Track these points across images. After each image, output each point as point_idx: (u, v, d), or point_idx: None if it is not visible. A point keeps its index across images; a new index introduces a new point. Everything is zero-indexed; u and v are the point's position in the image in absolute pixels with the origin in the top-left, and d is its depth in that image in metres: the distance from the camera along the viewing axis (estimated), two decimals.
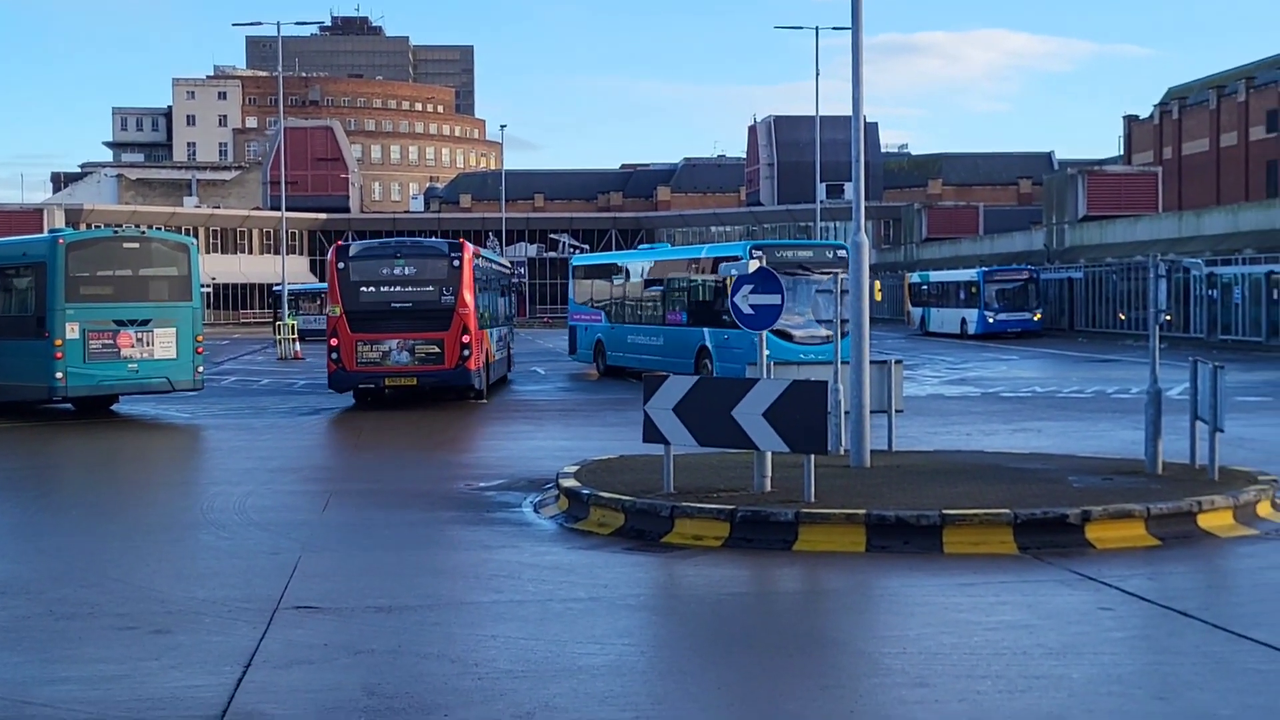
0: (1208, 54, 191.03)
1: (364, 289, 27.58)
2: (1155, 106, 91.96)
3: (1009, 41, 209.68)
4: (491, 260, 34.90)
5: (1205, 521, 12.73)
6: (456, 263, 27.75)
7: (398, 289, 27.59)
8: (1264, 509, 13.45)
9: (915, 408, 25.38)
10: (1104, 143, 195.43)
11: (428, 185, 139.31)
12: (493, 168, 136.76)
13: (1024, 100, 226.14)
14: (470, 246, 28.98)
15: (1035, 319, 61.29)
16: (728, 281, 20.10)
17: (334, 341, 27.54)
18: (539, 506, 14.86)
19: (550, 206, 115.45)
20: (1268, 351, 45.04)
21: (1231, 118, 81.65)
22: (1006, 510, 12.32)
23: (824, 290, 18.42)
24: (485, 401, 29.38)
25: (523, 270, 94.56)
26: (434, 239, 31.66)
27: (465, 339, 27.46)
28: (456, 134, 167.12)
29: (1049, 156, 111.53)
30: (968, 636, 9.07)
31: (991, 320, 60.68)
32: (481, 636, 9.20)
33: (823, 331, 26.64)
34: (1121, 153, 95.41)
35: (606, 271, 39.39)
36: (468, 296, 27.72)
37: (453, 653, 8.75)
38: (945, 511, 12.27)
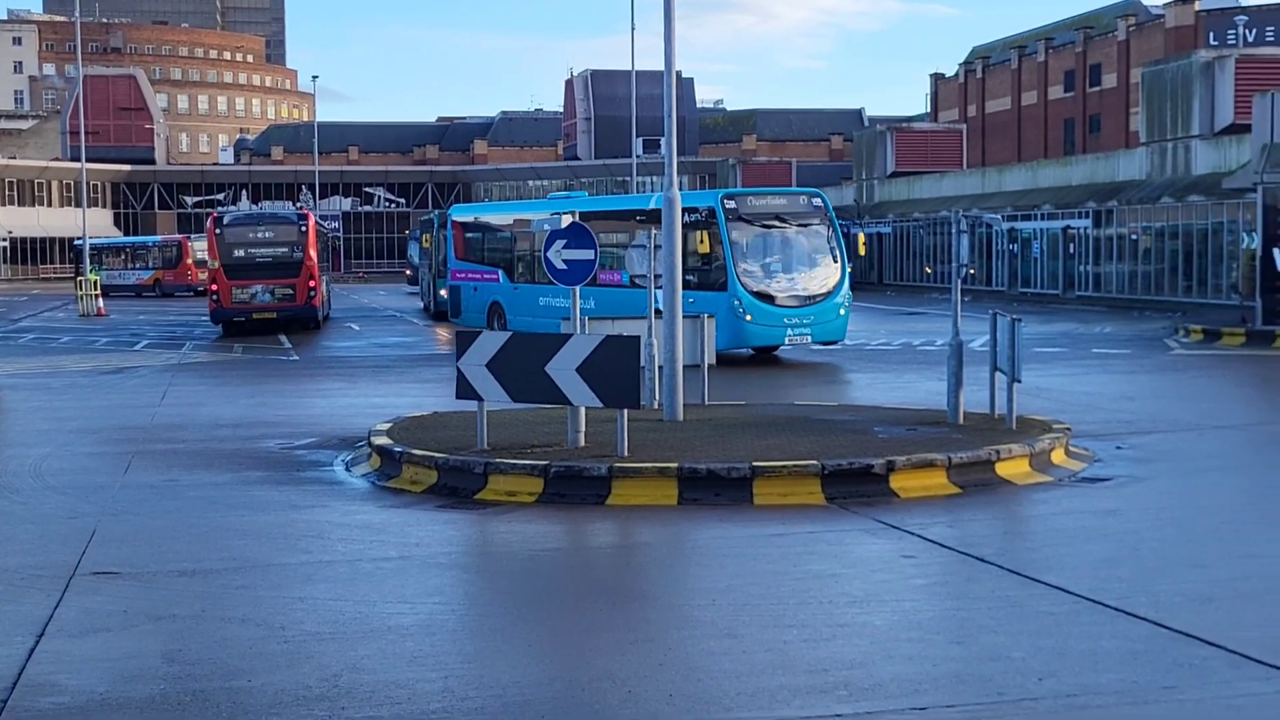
0: (1010, 15, 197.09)
1: (235, 249, 36.66)
2: (960, 65, 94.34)
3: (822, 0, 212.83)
4: (322, 224, 43.95)
5: (1003, 469, 13.16)
6: (304, 228, 37.36)
7: (261, 248, 36.87)
8: (1058, 456, 13.96)
9: (730, 361, 25.69)
10: (912, 100, 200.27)
11: (238, 137, 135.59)
12: (305, 119, 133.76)
13: (836, 58, 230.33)
14: (312, 215, 39.16)
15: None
16: (652, 234, 17.58)
17: (214, 287, 36.75)
18: (350, 465, 14.64)
19: (365, 159, 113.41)
20: (1064, 304, 46.76)
21: (1032, 77, 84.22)
22: (814, 461, 12.56)
23: (637, 245, 18.49)
24: (297, 359, 28.84)
25: (337, 225, 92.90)
26: (286, 209, 47.10)
27: (311, 284, 36.73)
28: (267, 84, 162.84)
29: (859, 113, 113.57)
30: (775, 587, 9.23)
31: None
32: (288, 599, 9.03)
33: (806, 292, 25.52)
34: (928, 110, 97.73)
35: (506, 224, 35.67)
36: (312, 253, 36.99)
37: (258, 616, 8.57)
38: (755, 464, 12.45)
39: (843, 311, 26.10)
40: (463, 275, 35.34)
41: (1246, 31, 67.21)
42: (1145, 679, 7.07)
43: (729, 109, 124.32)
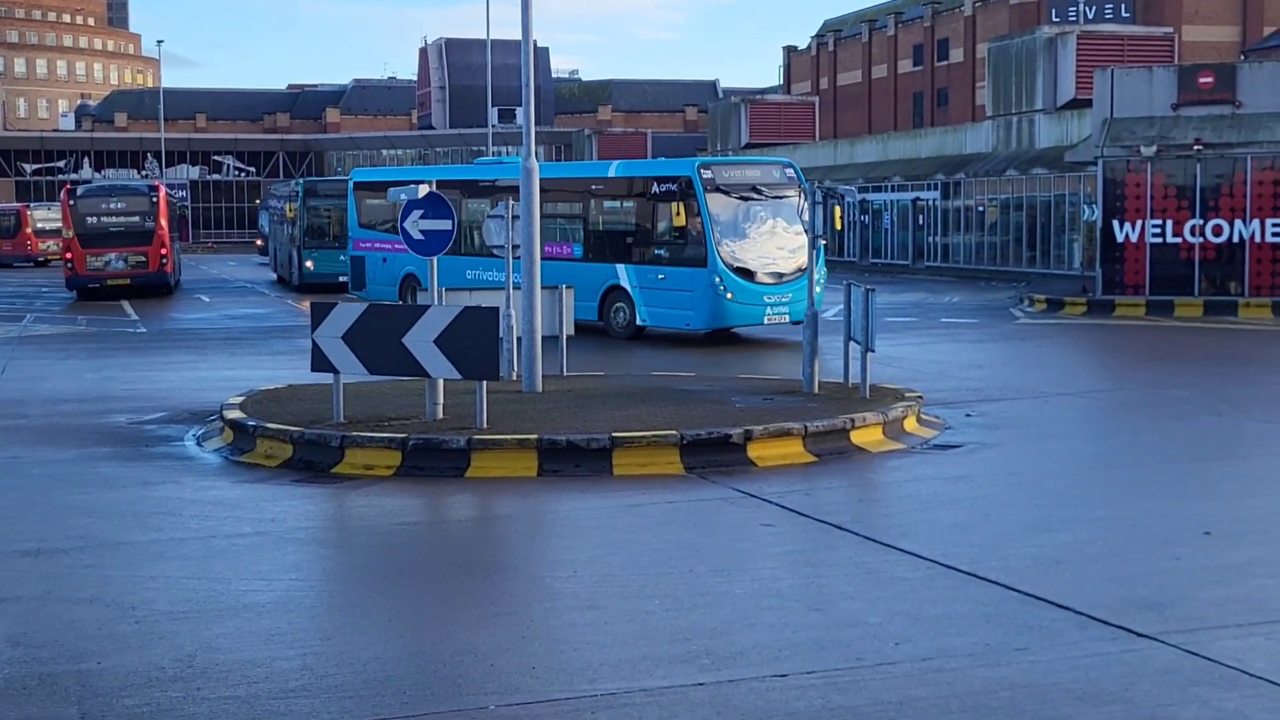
0: None
1: (89, 218, 37.28)
2: (813, 38, 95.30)
3: None
4: (171, 194, 44.88)
5: (858, 438, 13.37)
6: (154, 199, 38.32)
7: (114, 218, 37.53)
8: (910, 424, 14.23)
9: (590, 331, 25.68)
10: (766, 73, 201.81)
11: (79, 103, 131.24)
12: (150, 85, 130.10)
13: (691, 29, 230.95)
14: (163, 187, 40.63)
15: None
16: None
17: (69, 256, 37.81)
18: (202, 440, 14.32)
19: (213, 127, 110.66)
20: (914, 274, 47.66)
21: (882, 51, 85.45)
22: (673, 431, 12.62)
23: (495, 215, 18.21)
24: (145, 331, 28.10)
25: (185, 194, 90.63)
26: (138, 181, 46.67)
27: (163, 251, 37.80)
28: (109, 49, 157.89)
29: (714, 85, 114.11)
30: (636, 557, 9.26)
31: None
32: (139, 578, 8.80)
33: (788, 267, 23.62)
34: (781, 83, 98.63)
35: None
36: (163, 222, 38.00)
37: (107, 596, 8.33)
38: (615, 434, 12.47)
39: (819, 289, 25.58)
40: (367, 245, 32.68)
41: (1087, 8, 69.00)
42: (997, 641, 7.25)
43: (585, 79, 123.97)
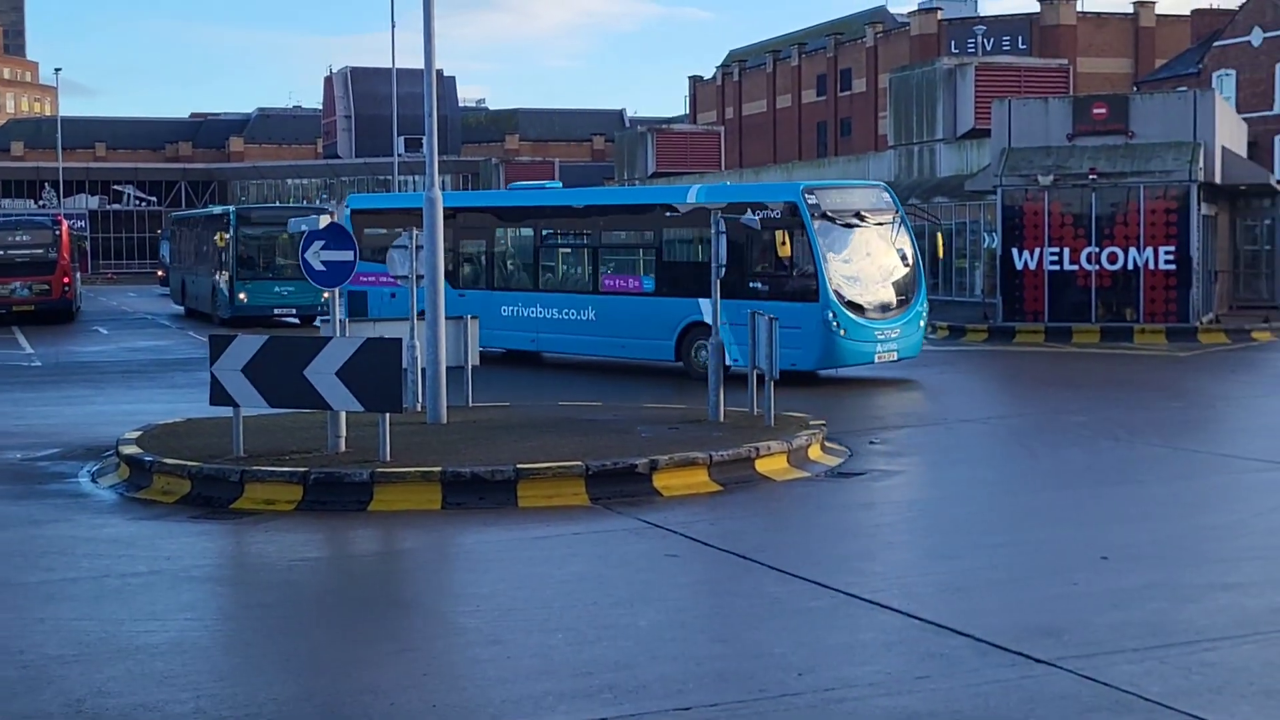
0: (765, 19, 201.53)
1: None
2: (718, 68, 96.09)
3: (580, 1, 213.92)
4: (72, 226, 48.00)
5: (763, 466, 13.41)
6: (57, 232, 40.92)
7: (19, 250, 39.60)
8: (814, 452, 14.31)
9: (494, 361, 25.56)
10: (672, 102, 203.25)
11: None
12: (48, 114, 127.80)
13: (597, 58, 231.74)
14: (64, 221, 43.56)
15: None
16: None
17: None
18: (97, 476, 14.01)
19: (113, 156, 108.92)
20: None
21: (786, 81, 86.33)
22: (579, 462, 12.57)
23: (399, 245, 18.07)
24: (40, 364, 27.51)
25: (84, 225, 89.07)
26: (42, 214, 50.58)
27: (65, 280, 40.29)
28: (5, 76, 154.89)
29: (621, 114, 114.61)
30: (541, 590, 9.19)
31: None
32: (28, 620, 8.56)
33: (894, 300, 21.89)
34: (688, 112, 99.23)
35: (446, 218, 28.56)
36: (65, 254, 40.41)
37: None
38: (520, 466, 12.39)
39: (922, 323, 22.64)
40: (369, 278, 27.79)
41: (985, 40, 70.30)
42: (899, 670, 7.28)
43: (491, 108, 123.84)
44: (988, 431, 16.96)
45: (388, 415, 12.86)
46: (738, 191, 25.21)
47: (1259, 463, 14.24)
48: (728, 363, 20.68)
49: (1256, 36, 58.06)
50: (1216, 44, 60.30)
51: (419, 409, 15.78)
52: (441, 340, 15.59)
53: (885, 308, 21.79)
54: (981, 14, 78.16)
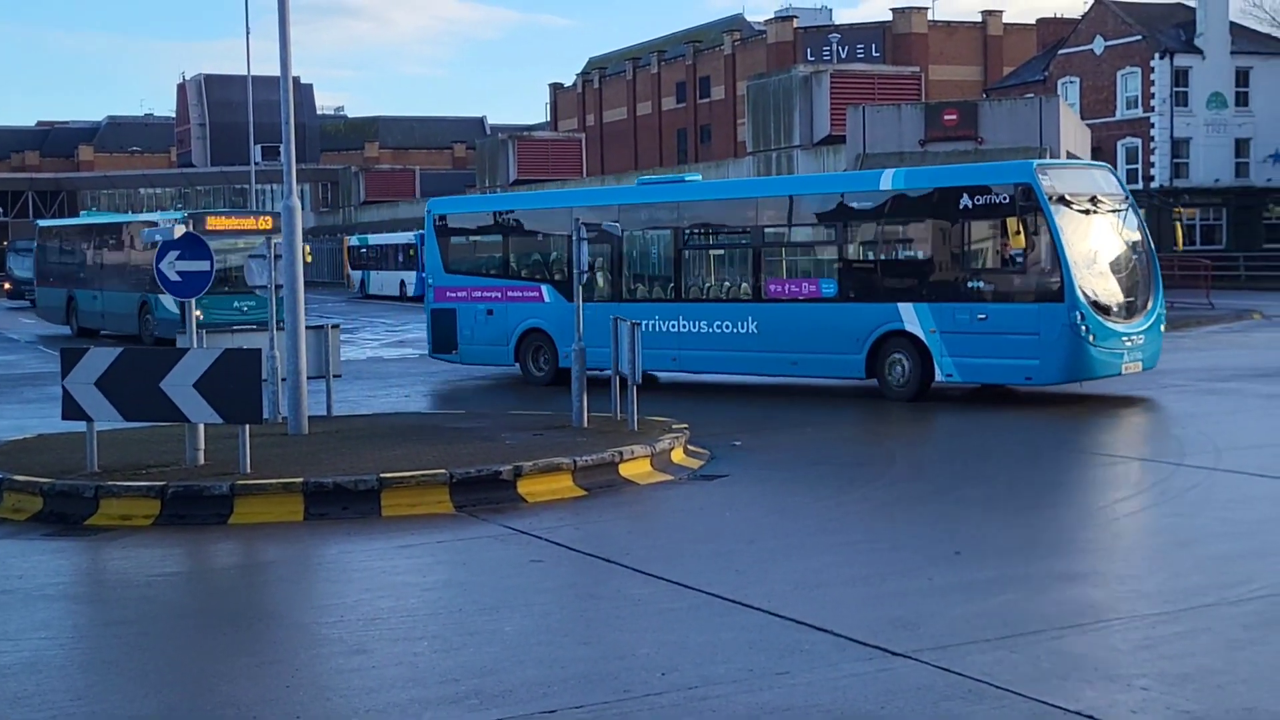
0: (625, 27, 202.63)
1: None
2: (578, 76, 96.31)
3: (438, 7, 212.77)
4: None
5: (626, 470, 13.52)
6: None
7: None
8: (678, 455, 14.46)
9: (355, 372, 25.37)
10: (533, 109, 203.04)
11: None
12: None
13: (457, 66, 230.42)
14: None
15: None
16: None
17: None
18: None
19: None
20: None
21: (646, 88, 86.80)
22: (443, 470, 12.55)
23: (256, 255, 17.80)
24: None
25: None
26: None
27: None
28: None
29: (482, 121, 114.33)
30: (405, 599, 9.18)
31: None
32: None
33: (1136, 300, 19.06)
34: (549, 119, 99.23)
35: (554, 221, 23.73)
36: None
37: None
38: (383, 475, 12.33)
39: (1163, 328, 19.78)
40: (459, 294, 24.49)
41: (840, 49, 71.52)
42: (760, 666, 7.42)
43: (350, 116, 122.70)
44: (847, 433, 17.27)
45: (247, 427, 12.70)
46: (948, 174, 20.60)
47: (1106, 456, 14.74)
48: (939, 378, 19.05)
49: (1099, 45, 59.95)
50: (1061, 52, 62.14)
51: (280, 420, 15.60)
52: (302, 350, 15.44)
53: (1130, 310, 18.88)
54: (836, 22, 79.58)
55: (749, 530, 11.26)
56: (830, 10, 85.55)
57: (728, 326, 21.15)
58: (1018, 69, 68.13)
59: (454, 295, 24.42)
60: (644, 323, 20.49)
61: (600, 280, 22.77)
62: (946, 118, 32.88)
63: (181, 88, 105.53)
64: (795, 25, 74.56)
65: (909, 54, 68.57)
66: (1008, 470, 14.06)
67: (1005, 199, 18.34)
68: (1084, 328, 17.88)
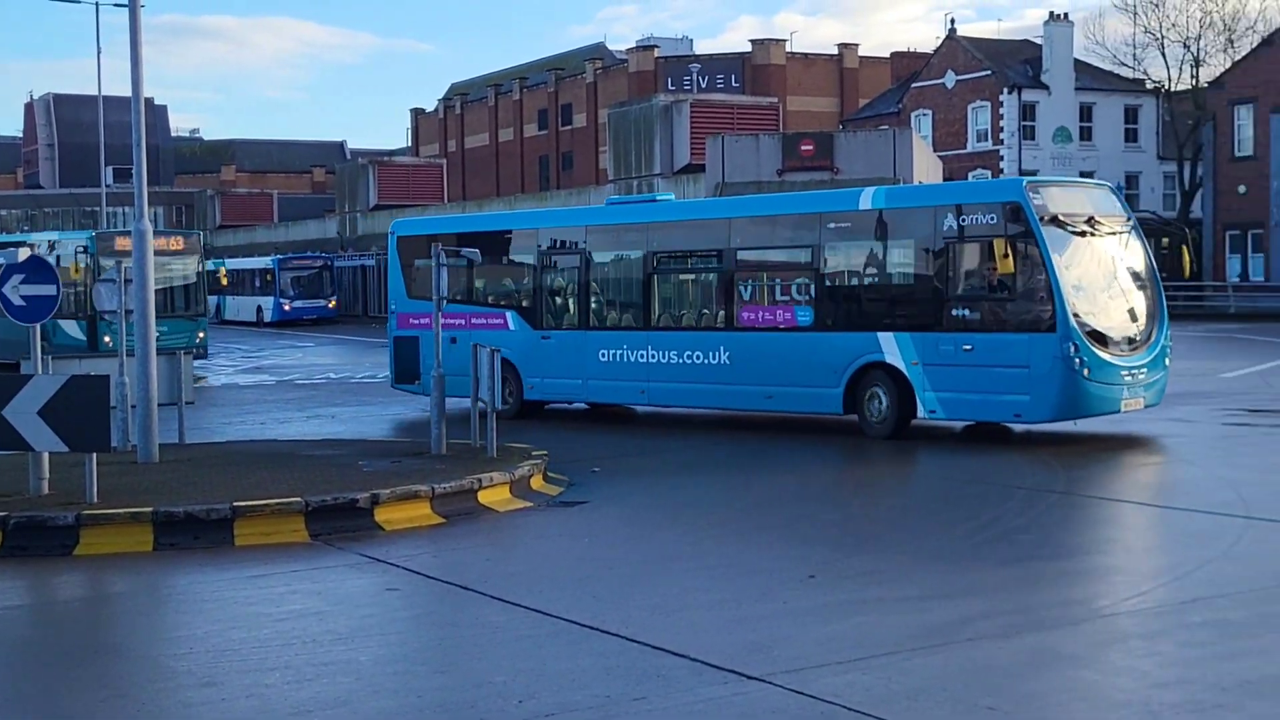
0: (487, 53, 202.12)
1: None
2: (440, 101, 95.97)
3: (297, 30, 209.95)
4: None
5: (485, 497, 13.47)
6: None
7: None
8: (537, 482, 14.45)
9: (209, 398, 24.91)
10: (394, 134, 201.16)
11: None
12: None
13: (316, 89, 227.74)
14: None
15: (330, 306, 62.15)
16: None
17: None
18: None
19: None
20: None
21: (508, 115, 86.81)
22: (298, 498, 12.37)
23: (106, 280, 17.38)
24: None
25: None
26: None
27: None
28: None
29: (342, 146, 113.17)
30: (257, 630, 9.02)
31: (287, 308, 60.76)
32: None
33: (1137, 330, 17.44)
34: (410, 145, 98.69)
35: (522, 242, 22.82)
36: None
37: None
38: (236, 504, 12.11)
39: (1168, 361, 17.92)
40: (424, 322, 21.40)
41: (700, 78, 72.33)
42: (618, 692, 7.44)
43: (207, 139, 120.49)
44: (706, 457, 17.41)
45: (94, 455, 12.38)
46: (931, 193, 19.99)
47: (968, 477, 15.08)
48: (922, 414, 17.60)
49: (950, 79, 61.52)
50: (915, 85, 63.62)
51: (130, 447, 15.25)
52: (153, 376, 15.11)
53: (1131, 341, 17.30)
54: (697, 53, 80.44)
55: (606, 556, 11.30)
56: (691, 41, 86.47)
57: (698, 357, 19.80)
58: (873, 101, 69.57)
59: (417, 322, 22.50)
60: (612, 353, 20.63)
61: (569, 307, 21.71)
62: (804, 148, 33.45)
63: (29, 107, 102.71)
64: (656, 55, 75.23)
65: (767, 85, 69.60)
66: (866, 497, 14.31)
67: (992, 219, 16.89)
68: (1078, 360, 16.34)
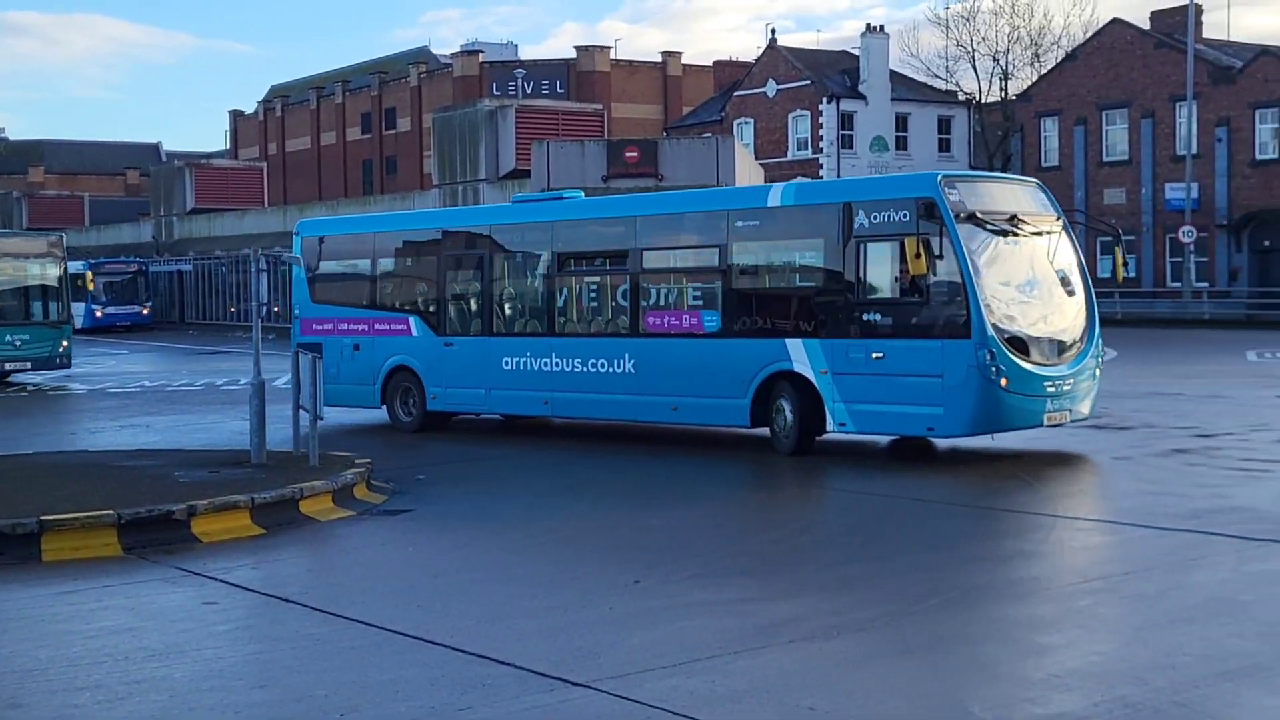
0: (308, 55, 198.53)
1: None
2: (260, 103, 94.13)
3: (110, 28, 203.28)
4: None
5: (307, 507, 13.22)
6: None
7: None
8: (361, 491, 14.24)
9: (14, 408, 23.99)
10: (213, 137, 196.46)
11: None
12: None
13: (131, 89, 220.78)
14: None
15: (145, 312, 60.37)
16: (742, 252, 14.84)
17: None
18: None
19: None
20: None
21: (330, 118, 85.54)
22: (110, 511, 11.97)
23: None
24: None
25: None
26: None
27: None
28: None
29: (157, 148, 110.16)
30: (67, 648, 8.70)
31: (100, 314, 58.85)
32: None
33: (1066, 338, 16.22)
34: (229, 147, 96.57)
35: (424, 242, 21.60)
36: None
37: None
38: (43, 517, 11.67)
39: (1099, 372, 16.78)
40: (325, 326, 21.79)
41: (525, 84, 72.24)
42: (443, 702, 7.37)
43: (12, 138, 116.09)
44: (535, 462, 17.38)
45: None
46: (843, 188, 18.14)
47: (794, 485, 15.31)
48: (831, 428, 16.32)
49: (771, 88, 62.52)
50: (737, 94, 64.49)
51: None
52: None
53: (1057, 349, 16.07)
54: (522, 58, 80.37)
55: (431, 565, 11.18)
56: (516, 46, 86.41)
57: (603, 365, 18.44)
58: (696, 109, 70.30)
59: (320, 328, 21.73)
60: (515, 360, 19.25)
61: (473, 312, 20.41)
62: (628, 154, 33.66)
63: None
64: (481, 60, 74.92)
65: (593, 91, 69.84)
66: (690, 498, 14.43)
67: (905, 216, 15.50)
68: (994, 369, 15.10)
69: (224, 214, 64.63)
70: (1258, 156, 49.66)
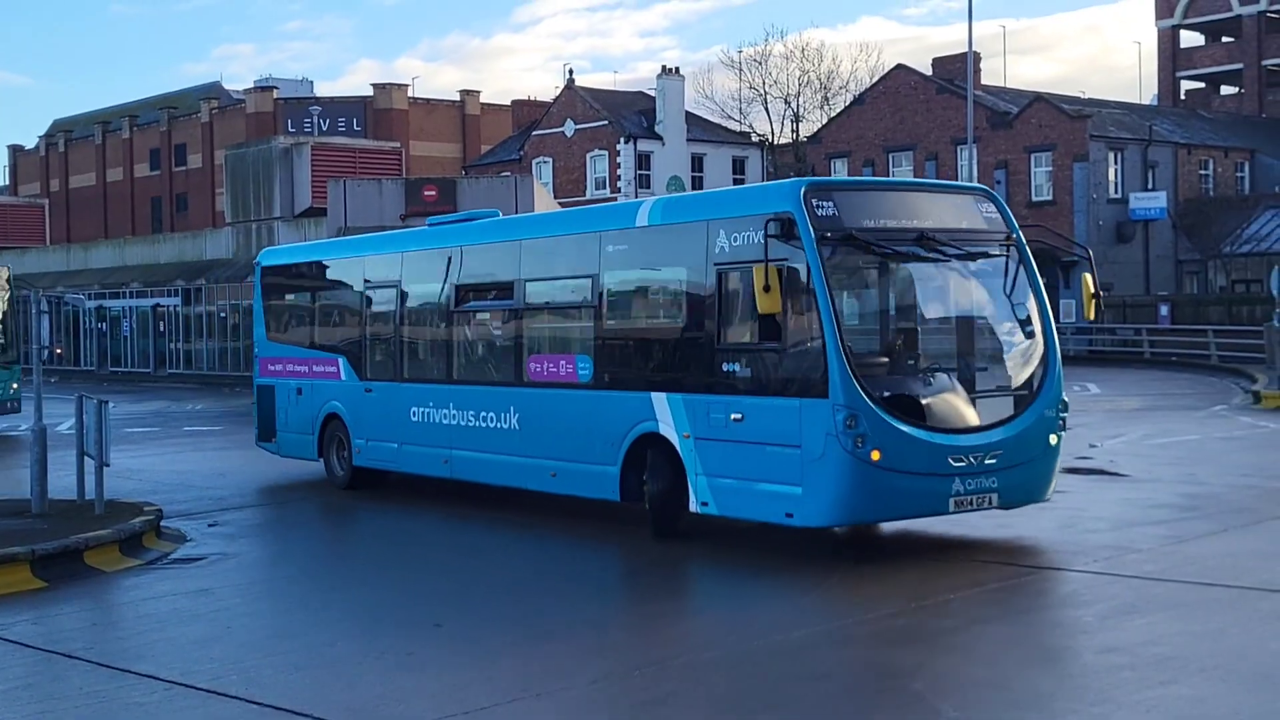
0: (93, 89, 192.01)
1: None
2: (41, 138, 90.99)
3: None
4: None
5: (92, 558, 12.71)
6: None
7: None
8: (150, 539, 13.75)
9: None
10: None
11: None
12: None
13: None
14: None
15: None
16: (613, 285, 12.22)
17: None
18: None
19: None
20: (156, 382, 46.37)
21: (117, 154, 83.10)
22: None
23: None
24: None
25: None
26: None
27: None
28: None
29: None
30: None
31: None
32: None
33: (995, 393, 12.37)
34: (8, 184, 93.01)
35: (350, 273, 18.46)
36: None
37: None
38: None
39: (1053, 439, 12.42)
40: (278, 368, 19.24)
41: (322, 121, 71.30)
42: None
43: None
44: (324, 504, 17.05)
45: None
46: (711, 202, 13.71)
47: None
48: (694, 508, 12.61)
49: (569, 128, 63.00)
50: (535, 133, 64.79)
51: None
52: None
53: (978, 410, 12.17)
54: (318, 95, 79.30)
55: (225, 614, 10.86)
56: (311, 83, 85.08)
57: (493, 420, 15.26)
58: (495, 148, 70.31)
59: (274, 369, 19.26)
60: (422, 411, 16.23)
61: (387, 352, 17.31)
62: (426, 193, 33.43)
63: None
64: (276, 96, 73.65)
65: (390, 129, 69.25)
66: (513, 548, 14.32)
67: (759, 238, 11.72)
68: (857, 438, 11.28)
69: (3, 253, 62.04)
70: (1033, 198, 51.89)
